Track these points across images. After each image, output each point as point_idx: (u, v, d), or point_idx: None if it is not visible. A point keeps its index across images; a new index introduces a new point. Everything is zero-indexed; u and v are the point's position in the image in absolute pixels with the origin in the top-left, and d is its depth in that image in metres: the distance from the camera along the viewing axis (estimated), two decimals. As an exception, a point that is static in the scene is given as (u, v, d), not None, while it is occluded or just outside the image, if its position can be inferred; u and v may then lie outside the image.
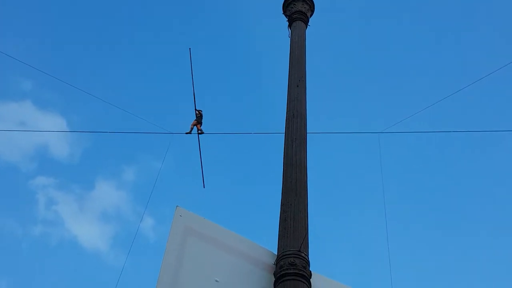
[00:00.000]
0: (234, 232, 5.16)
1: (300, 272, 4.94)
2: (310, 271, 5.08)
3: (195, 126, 17.38)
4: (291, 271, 4.92)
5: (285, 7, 8.29)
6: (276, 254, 5.22)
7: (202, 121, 17.36)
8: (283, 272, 4.94)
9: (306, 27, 8.08)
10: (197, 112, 17.40)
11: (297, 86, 6.91)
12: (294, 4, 8.19)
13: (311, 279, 5.03)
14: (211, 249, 4.94)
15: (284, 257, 5.05)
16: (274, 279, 5.00)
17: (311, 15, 8.28)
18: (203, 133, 16.98)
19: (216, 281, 4.81)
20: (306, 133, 6.44)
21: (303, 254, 5.10)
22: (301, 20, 8.02)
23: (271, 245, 5.40)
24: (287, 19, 8.26)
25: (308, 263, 5.12)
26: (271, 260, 5.20)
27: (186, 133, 17.15)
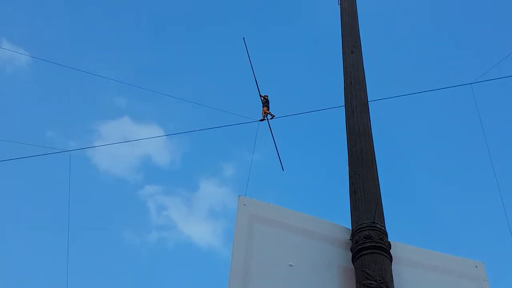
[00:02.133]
0: (302, 213, 4.95)
1: (378, 245, 4.66)
2: (389, 242, 4.80)
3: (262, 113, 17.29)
4: (368, 245, 4.65)
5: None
6: (351, 229, 4.96)
7: (269, 106, 17.23)
8: (359, 247, 4.68)
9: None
10: (262, 98, 17.29)
11: (352, 52, 6.60)
12: (339, -31, 7.85)
13: (390, 250, 4.75)
14: (280, 234, 4.75)
15: (359, 231, 4.79)
16: (351, 255, 4.75)
17: (359, -22, 7.90)
18: (272, 116, 16.86)
19: (290, 265, 4.62)
20: (367, 99, 6.12)
21: (378, 225, 4.81)
22: (349, -15, 7.68)
23: (346, 221, 5.15)
24: (333, -14, 7.94)
25: (385, 233, 4.83)
26: (346, 236, 4.95)
27: (261, 120, 17.11)
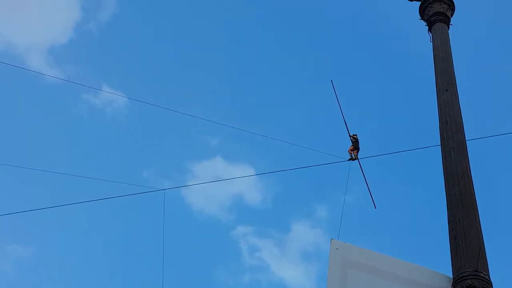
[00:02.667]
0: (397, 259, 4.71)
1: (482, 295, 4.36)
2: (494, 293, 4.48)
3: (352, 152, 17.04)
4: (471, 295, 4.36)
5: (422, 11, 7.77)
6: (452, 277, 4.67)
7: (359, 145, 16.98)
8: (462, 297, 4.39)
9: (448, 27, 7.50)
10: (351, 137, 17.06)
11: (446, 90, 6.35)
12: (431, 6, 7.64)
13: (496, 302, 4.43)
14: (374, 280, 4.54)
15: (461, 279, 4.49)
16: (453, 305, 4.47)
17: (451, 14, 7.67)
18: (356, 159, 16.60)
19: (387, 313, 4.39)
20: (465, 139, 5.84)
21: (482, 274, 4.50)
22: (441, 22, 7.45)
23: (445, 268, 4.86)
24: (425, 23, 7.73)
25: (490, 283, 4.51)
26: (447, 285, 4.66)
27: (349, 159, 16.88)
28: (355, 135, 17.26)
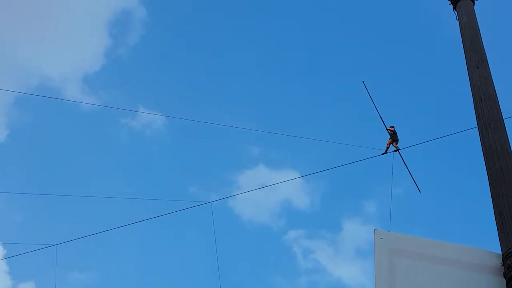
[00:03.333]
0: (443, 242, 4.64)
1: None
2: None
3: (391, 145, 16.87)
4: (522, 269, 4.26)
5: (445, -10, 7.67)
6: (500, 253, 4.57)
7: (397, 137, 16.81)
8: (512, 273, 4.30)
9: (473, 3, 7.37)
10: (389, 130, 16.91)
11: (477, 67, 6.24)
12: (454, -17, 7.55)
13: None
14: (422, 265, 4.48)
15: (509, 255, 4.41)
16: (504, 281, 4.37)
17: (476, -10, 7.55)
18: (398, 149, 16.42)
19: (440, 297, 4.31)
20: (501, 115, 5.73)
21: (531, 248, 4.40)
22: (466, -2, 7.35)
23: (493, 246, 4.76)
24: (449, 2, 7.62)
25: (540, 256, 4.40)
26: (496, 262, 4.56)
27: (383, 153, 16.73)
28: (392, 127, 17.13)
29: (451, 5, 7.54)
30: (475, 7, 7.32)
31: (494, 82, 6.18)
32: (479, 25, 7.03)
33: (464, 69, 6.58)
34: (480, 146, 5.53)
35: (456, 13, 7.38)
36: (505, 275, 4.40)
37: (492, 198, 4.96)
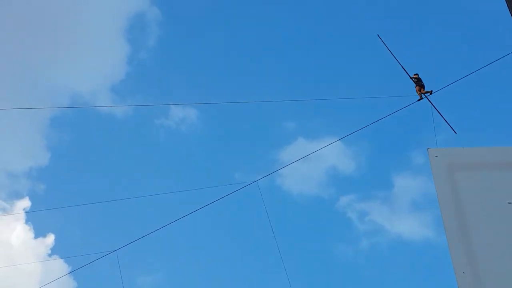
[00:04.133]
0: (500, 147, 4.48)
1: None
2: None
3: (420, 91, 16.64)
4: None
5: None
6: None
7: (423, 82, 16.54)
8: None
9: None
10: (413, 78, 16.66)
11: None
12: None
13: None
14: (485, 174, 4.32)
15: None
16: None
17: None
18: (431, 92, 16.17)
19: (510, 203, 4.16)
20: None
21: None
22: None
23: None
24: None
25: None
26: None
27: (418, 100, 16.53)
28: (416, 74, 16.89)
29: None
30: None
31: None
32: None
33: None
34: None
35: None
36: None
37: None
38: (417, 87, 16.61)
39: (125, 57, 41.45)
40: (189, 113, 37.90)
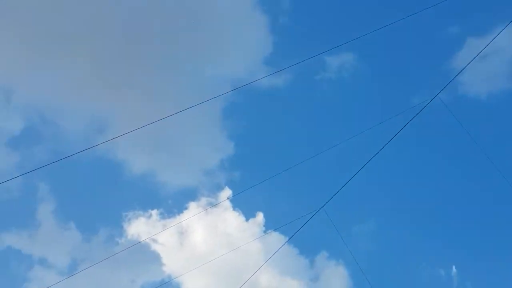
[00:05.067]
0: None
1: None
2: None
3: None
4: None
5: None
6: None
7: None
8: None
9: None
10: None
11: None
12: None
13: None
14: None
15: None
16: None
17: None
18: None
19: None
20: None
21: None
22: None
23: None
24: None
25: None
26: None
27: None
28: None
29: None
30: None
31: None
32: None
33: None
34: None
35: None
36: None
37: None
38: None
39: (268, 28, 41.84)
40: (344, 58, 37.13)
